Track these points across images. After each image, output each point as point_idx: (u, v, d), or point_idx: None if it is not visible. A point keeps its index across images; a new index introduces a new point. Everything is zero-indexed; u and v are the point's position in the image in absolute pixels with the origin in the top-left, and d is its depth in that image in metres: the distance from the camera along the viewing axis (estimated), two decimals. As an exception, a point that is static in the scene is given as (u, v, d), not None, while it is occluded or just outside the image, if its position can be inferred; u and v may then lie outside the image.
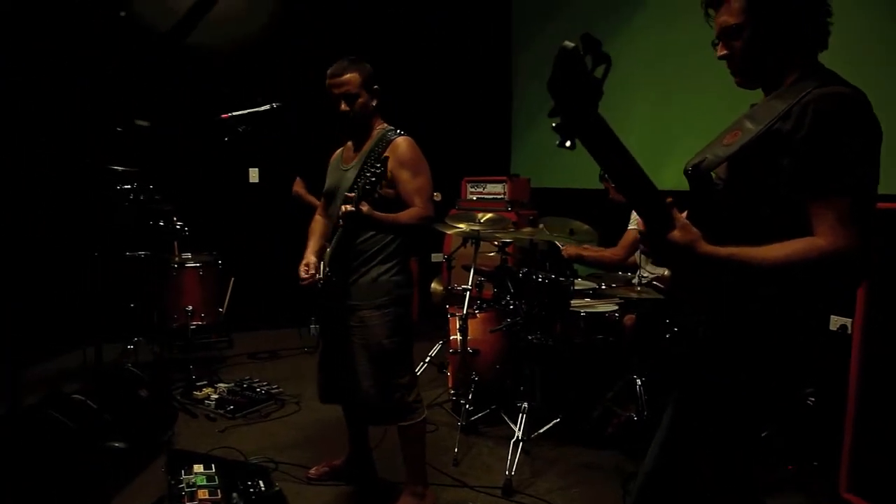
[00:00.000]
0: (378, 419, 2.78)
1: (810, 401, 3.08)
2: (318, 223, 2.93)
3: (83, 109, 5.01)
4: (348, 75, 2.54)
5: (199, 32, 5.54)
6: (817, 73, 1.48)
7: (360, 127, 2.67)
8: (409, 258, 2.73)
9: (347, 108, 2.58)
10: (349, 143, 2.77)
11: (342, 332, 2.67)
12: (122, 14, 5.24)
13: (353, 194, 2.37)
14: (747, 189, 1.46)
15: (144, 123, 3.96)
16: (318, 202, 4.58)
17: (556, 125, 1.16)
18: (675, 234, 1.35)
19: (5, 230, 4.60)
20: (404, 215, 2.53)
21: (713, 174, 1.53)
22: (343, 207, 2.37)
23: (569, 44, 1.10)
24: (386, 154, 2.53)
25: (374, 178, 2.32)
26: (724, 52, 1.56)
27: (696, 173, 1.53)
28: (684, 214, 1.50)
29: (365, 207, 2.34)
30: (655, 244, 1.39)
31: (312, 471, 3.13)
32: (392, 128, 2.68)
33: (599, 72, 1.13)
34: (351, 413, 3.01)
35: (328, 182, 2.81)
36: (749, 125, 1.48)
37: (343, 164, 2.73)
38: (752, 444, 1.55)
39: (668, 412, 1.70)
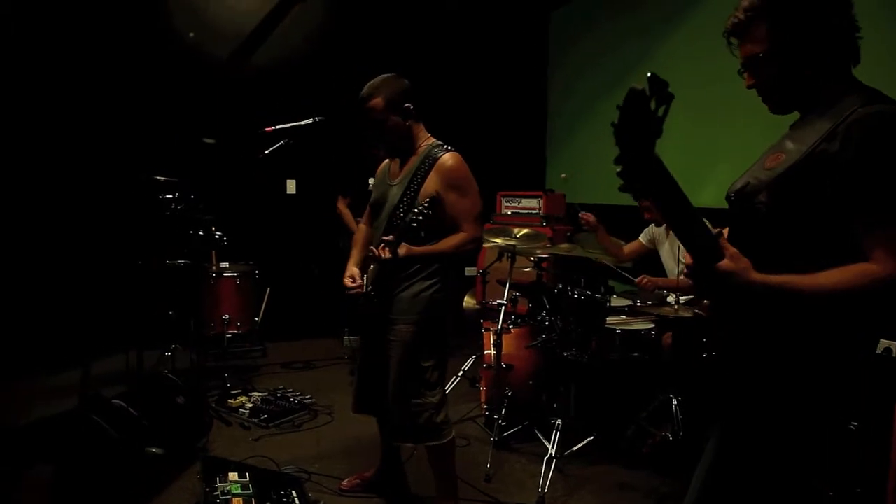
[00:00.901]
0: (404, 437, 2.71)
1: (853, 425, 3.00)
2: (361, 232, 2.93)
3: (130, 122, 5.14)
4: (372, 101, 2.53)
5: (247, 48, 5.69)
6: (858, 89, 1.43)
7: (399, 146, 2.65)
8: (450, 275, 2.68)
9: (376, 133, 2.58)
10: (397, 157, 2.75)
11: (380, 344, 2.66)
12: (191, 35, 5.41)
13: (390, 237, 2.40)
14: (793, 213, 1.41)
15: (211, 141, 4.05)
16: (354, 224, 4.66)
17: (620, 171, 1.17)
18: (726, 263, 1.31)
19: (57, 239, 4.75)
20: (448, 245, 2.51)
21: (756, 199, 1.49)
22: (380, 251, 2.41)
23: (637, 87, 1.10)
24: (431, 173, 2.51)
25: (415, 225, 2.34)
26: (752, 81, 1.52)
27: (740, 198, 1.50)
28: (726, 231, 1.47)
29: (403, 250, 2.38)
30: (705, 275, 1.35)
31: (344, 482, 3.13)
32: (439, 143, 2.63)
33: (662, 111, 1.13)
34: (385, 425, 2.99)
35: (374, 194, 2.79)
36: (791, 146, 1.44)
37: (389, 179, 2.70)
38: (804, 479, 1.49)
39: (713, 443, 1.64)
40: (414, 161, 2.59)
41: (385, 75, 2.59)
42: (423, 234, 2.41)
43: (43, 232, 4.74)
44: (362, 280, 2.69)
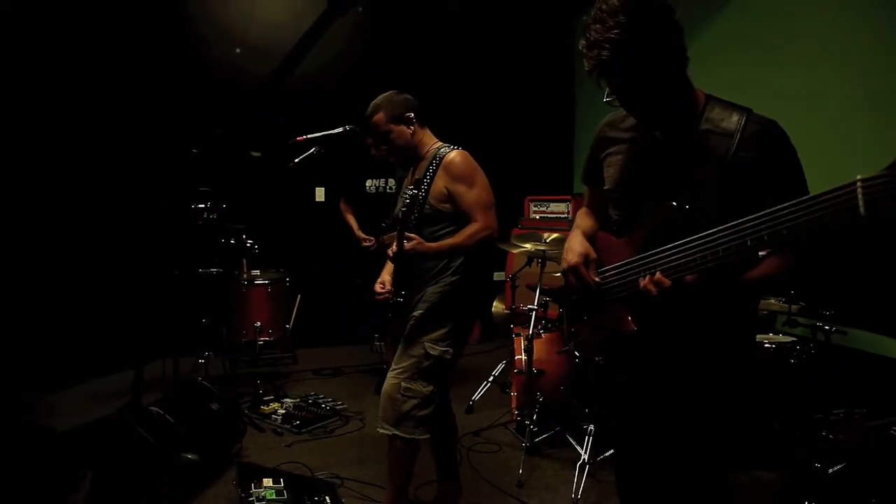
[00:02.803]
0: (384, 417, 2.61)
1: (893, 431, 2.94)
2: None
3: (164, 134, 5.25)
4: (374, 118, 2.65)
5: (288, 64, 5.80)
6: (709, 98, 1.69)
7: (408, 156, 2.73)
8: (474, 274, 2.68)
9: (384, 147, 2.72)
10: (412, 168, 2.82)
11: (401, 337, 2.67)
12: (238, 51, 5.55)
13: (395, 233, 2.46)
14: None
15: (257, 154, 4.13)
16: (353, 224, 4.68)
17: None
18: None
19: (96, 249, 4.86)
20: (462, 237, 2.54)
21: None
22: (389, 250, 2.50)
23: None
24: (439, 171, 2.57)
25: (404, 209, 2.42)
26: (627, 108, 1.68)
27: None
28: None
29: (409, 244, 2.42)
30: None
31: None
32: (445, 144, 2.69)
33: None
34: (436, 439, 2.86)
35: (397, 205, 2.82)
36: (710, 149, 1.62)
37: (406, 189, 2.73)
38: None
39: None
40: (423, 165, 2.66)
41: (386, 93, 2.70)
42: (413, 222, 2.51)
43: (83, 242, 4.84)
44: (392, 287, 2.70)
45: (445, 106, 6.02)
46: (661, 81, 1.56)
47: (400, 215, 2.50)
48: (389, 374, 2.62)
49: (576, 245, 1.89)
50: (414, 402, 2.56)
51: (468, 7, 6.42)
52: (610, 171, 1.86)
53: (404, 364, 2.59)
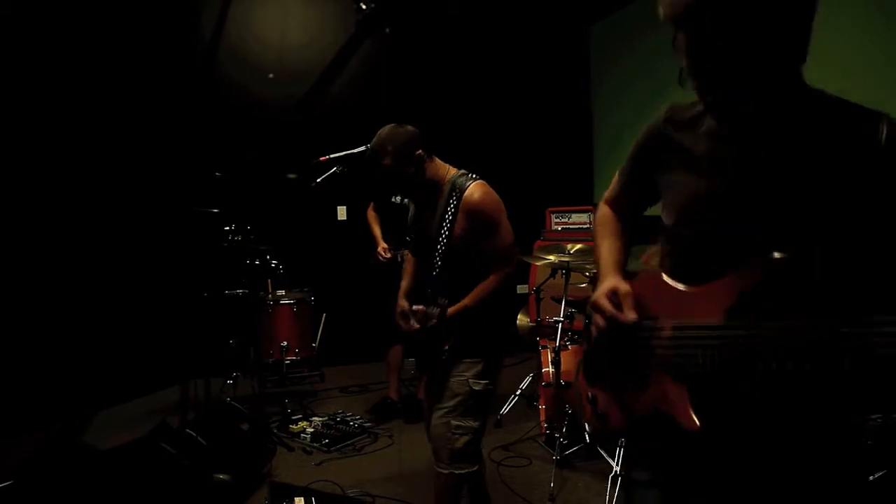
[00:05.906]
0: (437, 457, 2.60)
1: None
2: (409, 262, 2.90)
3: (190, 158, 5.33)
4: (384, 161, 2.50)
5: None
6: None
7: (421, 189, 2.62)
8: (503, 302, 2.62)
9: (399, 186, 2.65)
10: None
11: (438, 373, 2.61)
12: (271, 76, 5.68)
13: (436, 310, 2.43)
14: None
15: (293, 176, 4.17)
16: (378, 233, 4.64)
17: None
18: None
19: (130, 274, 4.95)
20: (483, 292, 2.48)
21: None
22: (412, 322, 2.54)
23: None
24: (460, 211, 2.47)
25: (434, 321, 2.39)
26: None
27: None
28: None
29: (434, 321, 2.41)
30: None
31: None
32: (462, 172, 2.57)
33: None
34: None
35: (414, 227, 2.78)
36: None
37: (427, 214, 2.67)
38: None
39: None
40: (441, 201, 2.55)
41: (388, 129, 2.54)
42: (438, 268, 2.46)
43: (117, 267, 4.92)
44: (412, 308, 2.62)
45: (466, 120, 6.08)
46: (781, 34, 1.14)
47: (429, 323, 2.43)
48: (435, 415, 2.58)
49: (604, 280, 1.47)
50: (466, 438, 2.53)
51: (485, 17, 6.46)
52: (670, 196, 1.40)
53: (451, 404, 2.54)
